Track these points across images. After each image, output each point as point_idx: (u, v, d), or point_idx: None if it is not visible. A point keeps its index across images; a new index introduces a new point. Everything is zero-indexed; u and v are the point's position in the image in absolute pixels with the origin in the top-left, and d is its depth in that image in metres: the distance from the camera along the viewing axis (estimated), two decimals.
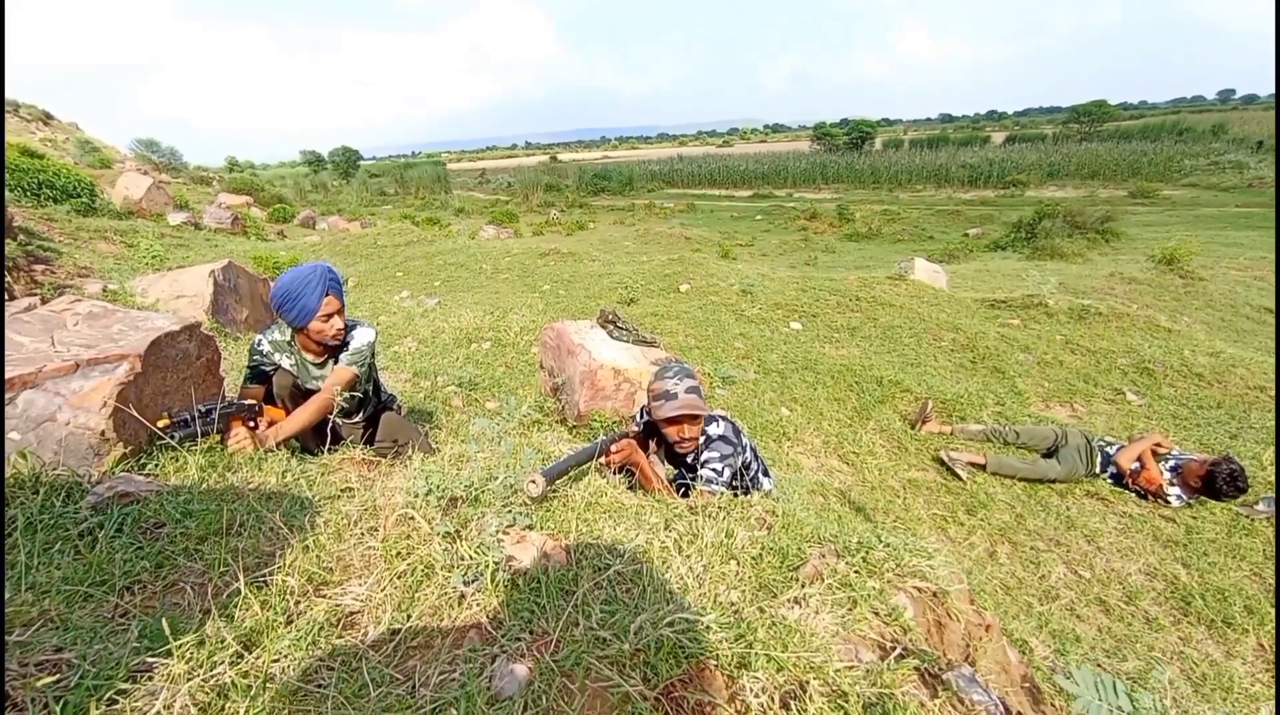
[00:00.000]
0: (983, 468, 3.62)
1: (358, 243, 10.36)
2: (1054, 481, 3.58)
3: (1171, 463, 3.41)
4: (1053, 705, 1.43)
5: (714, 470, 1.99)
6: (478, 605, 1.05)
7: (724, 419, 2.13)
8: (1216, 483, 3.20)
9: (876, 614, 1.10)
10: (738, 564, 1.24)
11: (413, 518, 1.29)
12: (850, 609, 1.10)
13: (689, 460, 2.12)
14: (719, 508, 1.50)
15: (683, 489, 2.05)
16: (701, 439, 2.08)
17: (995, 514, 3.28)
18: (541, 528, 1.36)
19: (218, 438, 1.63)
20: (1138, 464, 3.47)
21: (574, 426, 3.83)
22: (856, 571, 1.23)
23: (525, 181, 36.08)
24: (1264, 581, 2.75)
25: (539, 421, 3.92)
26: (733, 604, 1.07)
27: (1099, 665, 2.30)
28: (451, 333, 5.48)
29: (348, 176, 46.67)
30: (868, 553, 1.29)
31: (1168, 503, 3.37)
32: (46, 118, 19.89)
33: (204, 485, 1.43)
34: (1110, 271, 9.47)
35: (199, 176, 21.03)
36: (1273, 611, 2.58)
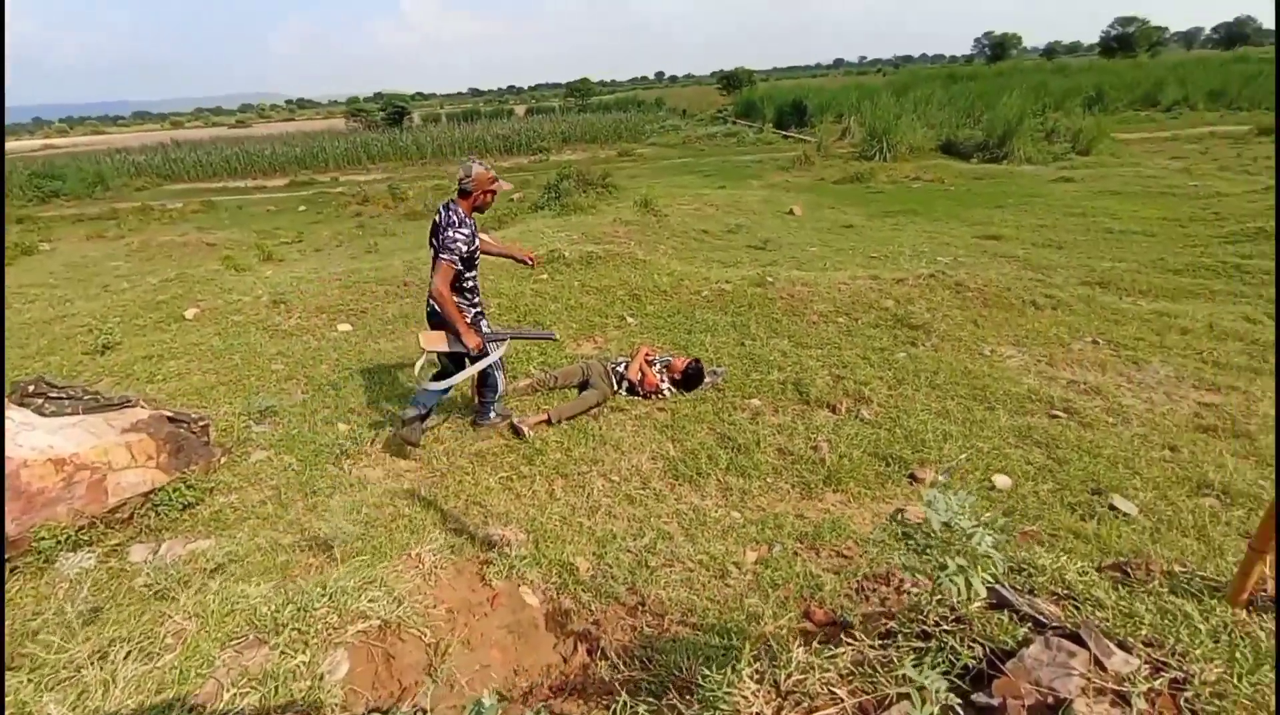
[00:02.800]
0: (550, 422, 3.93)
1: None
2: (598, 405, 4.17)
3: (658, 366, 4.36)
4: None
5: None
6: None
7: None
8: (690, 375, 4.25)
9: (286, 710, 0.93)
10: None
11: None
12: None
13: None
14: None
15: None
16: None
17: (550, 456, 3.64)
18: None
19: None
20: (640, 374, 4.34)
21: (11, 561, 2.58)
22: (283, 652, 1.04)
23: None
24: (715, 433, 3.81)
25: None
26: None
27: (629, 551, 2.80)
28: None
29: None
30: (306, 615, 1.11)
31: (665, 396, 4.33)
32: None
33: None
34: (613, 218, 11.62)
35: None
36: (724, 454, 3.59)
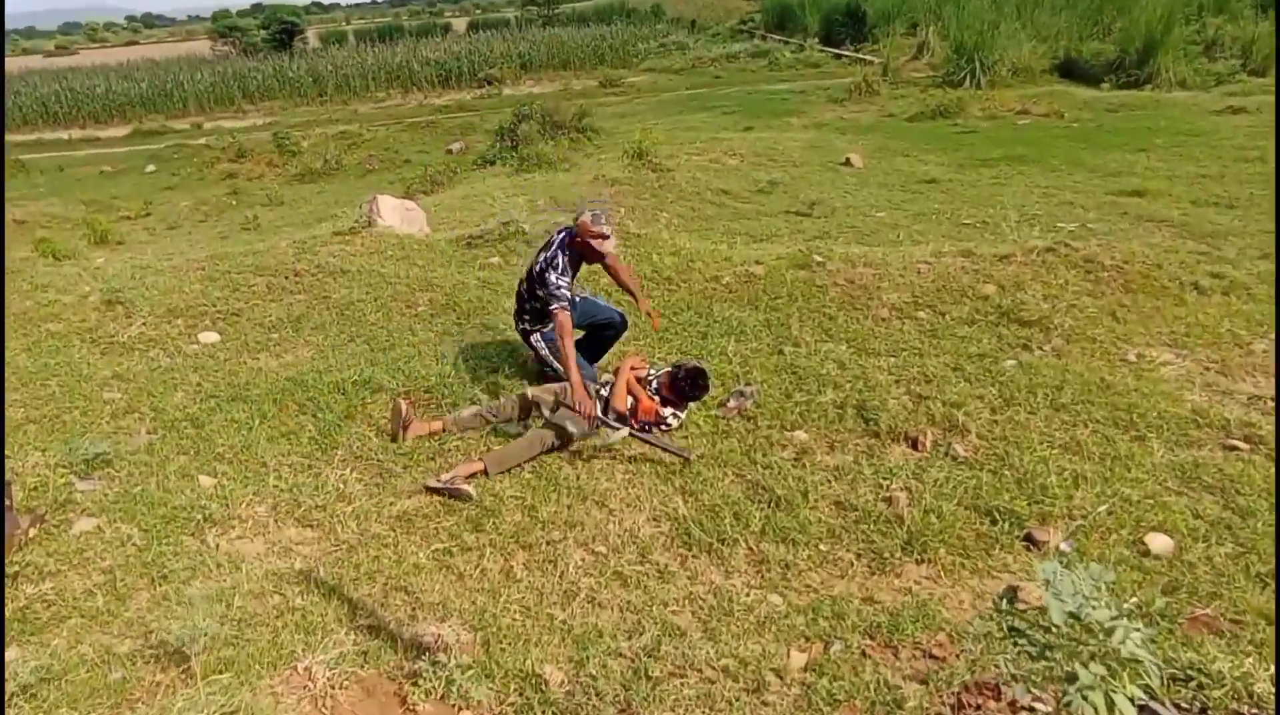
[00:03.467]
0: (485, 474, 3.93)
1: None
2: (562, 446, 4.16)
3: (654, 386, 4.36)
4: None
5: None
6: None
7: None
8: (682, 388, 4.24)
9: None
10: None
11: None
12: None
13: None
14: None
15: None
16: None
17: (506, 518, 3.63)
18: None
19: None
20: (632, 400, 4.33)
21: None
22: None
23: None
24: (744, 481, 3.80)
25: None
26: None
27: (621, 655, 2.77)
28: None
29: None
30: None
31: (669, 426, 4.33)
32: None
33: None
34: (595, 175, 11.71)
35: None
36: (756, 512, 3.58)
